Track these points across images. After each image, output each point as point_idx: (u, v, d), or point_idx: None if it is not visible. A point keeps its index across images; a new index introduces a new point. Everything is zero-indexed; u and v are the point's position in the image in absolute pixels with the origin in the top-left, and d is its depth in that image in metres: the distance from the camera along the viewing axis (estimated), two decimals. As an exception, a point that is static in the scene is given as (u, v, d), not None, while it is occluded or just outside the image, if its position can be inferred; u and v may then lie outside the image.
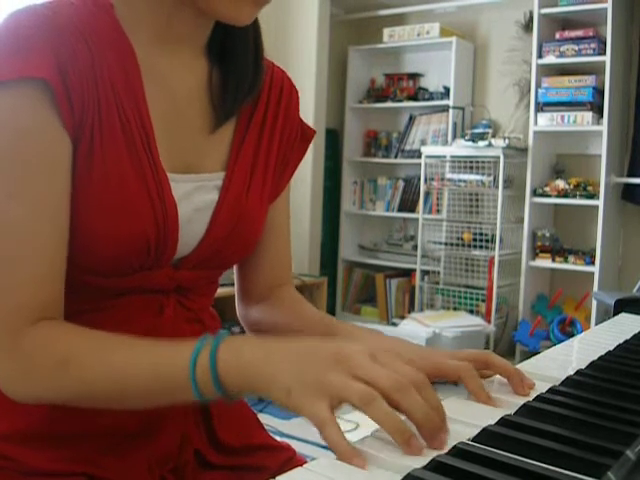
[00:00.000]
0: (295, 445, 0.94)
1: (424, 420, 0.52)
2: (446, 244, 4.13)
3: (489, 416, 0.58)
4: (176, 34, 0.73)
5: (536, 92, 3.76)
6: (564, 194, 3.74)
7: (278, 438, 0.93)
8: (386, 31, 4.41)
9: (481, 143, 3.82)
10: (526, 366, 0.78)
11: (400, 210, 4.57)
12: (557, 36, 3.73)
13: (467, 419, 0.58)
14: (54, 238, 0.65)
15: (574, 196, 3.72)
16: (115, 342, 0.64)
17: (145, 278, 0.72)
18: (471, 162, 3.92)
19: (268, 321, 0.89)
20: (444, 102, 4.26)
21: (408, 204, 4.53)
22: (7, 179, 0.63)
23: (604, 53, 3.53)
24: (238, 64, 0.77)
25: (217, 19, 0.71)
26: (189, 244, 0.74)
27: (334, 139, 4.71)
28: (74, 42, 0.65)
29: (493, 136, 3.90)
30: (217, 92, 0.77)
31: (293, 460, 0.88)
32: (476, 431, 0.54)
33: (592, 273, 3.63)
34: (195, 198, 0.74)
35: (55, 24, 0.64)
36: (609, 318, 1.17)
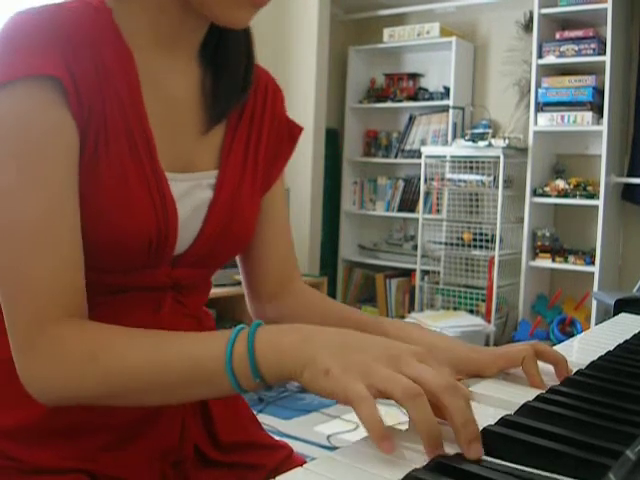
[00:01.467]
0: (295, 445, 0.95)
1: (464, 425, 0.51)
2: (446, 244, 4.13)
3: (489, 416, 0.58)
4: (173, 39, 0.74)
5: (536, 92, 3.76)
6: (564, 194, 3.74)
7: (278, 438, 0.93)
8: (386, 31, 4.41)
9: (481, 143, 3.82)
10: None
11: (400, 210, 4.57)
12: (557, 36, 3.74)
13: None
14: (71, 233, 0.65)
15: (574, 196, 3.72)
16: (145, 334, 0.64)
17: (144, 276, 0.73)
18: (471, 162, 3.92)
19: (288, 318, 0.89)
20: (444, 102, 4.26)
21: (408, 204, 4.53)
22: (23, 176, 0.63)
23: (604, 53, 3.53)
24: (230, 69, 0.80)
25: (215, 22, 0.72)
26: (186, 242, 0.76)
27: (334, 139, 4.71)
28: (78, 46, 0.66)
29: (493, 136, 3.90)
30: (209, 95, 0.79)
31: (290, 458, 0.89)
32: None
33: (592, 273, 3.63)
34: (192, 196, 0.76)
35: (60, 28, 0.65)
36: (609, 318, 1.17)
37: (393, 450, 0.49)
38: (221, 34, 0.79)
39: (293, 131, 0.91)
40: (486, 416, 0.57)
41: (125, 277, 0.72)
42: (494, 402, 0.66)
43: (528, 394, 0.65)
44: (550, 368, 0.74)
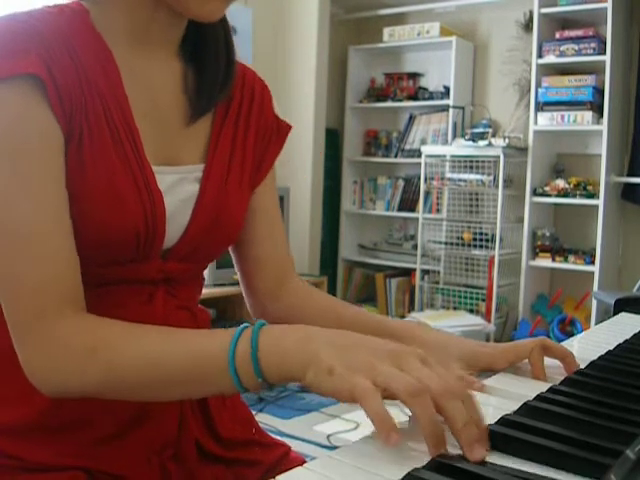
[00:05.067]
0: (295, 445, 0.95)
1: (464, 428, 0.51)
2: (446, 243, 4.13)
3: (489, 416, 0.58)
4: (150, 35, 0.76)
5: (536, 92, 3.76)
6: (564, 194, 3.74)
7: (278, 438, 0.93)
8: (386, 31, 4.41)
9: (481, 143, 3.82)
10: (526, 366, 0.78)
11: (400, 209, 4.57)
12: (557, 36, 3.74)
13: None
14: (64, 229, 0.66)
15: (574, 196, 3.72)
16: (146, 329, 0.65)
17: (135, 269, 0.74)
18: (471, 162, 3.92)
19: (289, 317, 0.90)
20: (444, 102, 4.26)
21: (408, 203, 4.53)
22: (15, 175, 0.64)
23: (604, 53, 3.53)
24: (210, 64, 0.81)
25: (187, 16, 0.74)
26: (174, 235, 0.76)
27: (334, 139, 4.71)
28: (56, 47, 0.68)
29: (493, 136, 3.90)
30: (192, 90, 0.80)
31: (288, 456, 0.89)
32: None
33: (592, 273, 3.63)
34: (179, 189, 0.77)
35: (38, 30, 0.67)
36: (609, 318, 1.17)
37: (397, 442, 0.49)
38: (199, 30, 0.80)
39: (281, 128, 0.92)
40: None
41: (116, 270, 0.73)
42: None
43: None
44: (558, 363, 0.76)
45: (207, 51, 0.81)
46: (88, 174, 0.68)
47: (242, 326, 0.62)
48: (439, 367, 0.56)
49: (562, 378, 0.73)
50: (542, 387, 0.67)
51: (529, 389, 0.67)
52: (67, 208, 0.67)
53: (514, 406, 0.61)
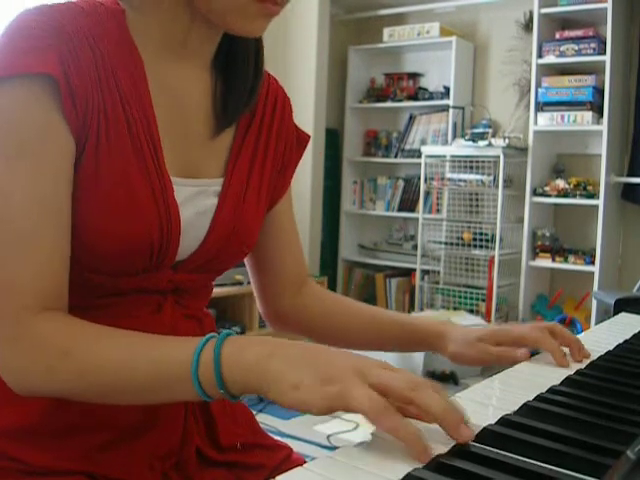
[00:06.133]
0: (295, 445, 0.95)
1: (444, 413, 0.52)
2: (446, 244, 4.13)
3: (489, 416, 0.58)
4: (184, 47, 0.75)
5: (536, 92, 3.76)
6: (564, 194, 3.74)
7: (278, 438, 0.93)
8: (386, 31, 4.41)
9: (481, 143, 3.82)
10: (526, 366, 0.78)
11: (400, 210, 4.57)
12: (557, 36, 3.73)
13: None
14: (56, 230, 0.65)
15: (574, 196, 3.72)
16: (116, 336, 0.65)
17: (145, 279, 0.73)
18: (471, 162, 3.92)
19: (307, 321, 0.94)
20: (444, 102, 4.26)
21: (408, 204, 4.53)
22: (11, 172, 0.64)
23: (604, 53, 3.53)
24: (240, 75, 0.80)
25: (230, 32, 0.73)
26: (189, 248, 0.76)
27: (334, 139, 4.71)
28: (78, 48, 0.66)
29: (493, 136, 3.90)
30: (219, 102, 0.79)
31: (290, 458, 0.89)
32: (476, 431, 0.54)
33: (592, 273, 3.63)
34: (196, 202, 0.76)
35: (61, 29, 0.66)
36: (609, 318, 1.17)
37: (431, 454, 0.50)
38: (231, 41, 0.79)
39: (301, 139, 0.92)
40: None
41: (126, 280, 0.72)
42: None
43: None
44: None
45: (237, 63, 0.80)
46: (104, 179, 0.67)
47: (208, 336, 0.62)
48: (401, 371, 0.57)
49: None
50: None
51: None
52: (64, 209, 0.66)
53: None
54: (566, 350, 0.82)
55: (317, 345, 0.61)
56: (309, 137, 0.94)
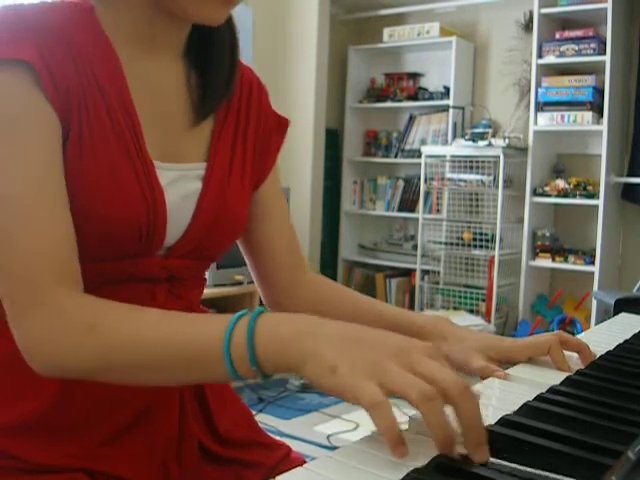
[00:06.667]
0: (295, 445, 0.95)
1: (473, 428, 0.50)
2: (446, 244, 4.13)
3: (489, 416, 0.58)
4: (153, 37, 0.76)
5: (536, 92, 3.76)
6: (564, 194, 3.74)
7: (278, 438, 0.93)
8: (386, 31, 4.41)
9: (481, 143, 3.82)
10: (526, 365, 0.78)
11: (400, 210, 4.57)
12: (557, 36, 3.74)
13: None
14: (61, 209, 0.66)
15: (574, 196, 3.72)
16: (145, 311, 0.64)
17: (136, 265, 0.74)
18: (471, 162, 3.92)
19: (307, 308, 0.91)
20: (444, 102, 4.26)
21: (408, 204, 4.53)
22: (7, 151, 0.65)
23: (604, 53, 3.53)
24: (214, 67, 0.81)
25: (189, 21, 0.75)
26: (177, 231, 0.77)
27: (334, 139, 4.70)
28: (53, 40, 0.68)
29: (493, 136, 3.90)
30: (196, 92, 0.81)
31: (289, 457, 0.89)
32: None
33: (592, 273, 3.63)
34: (180, 186, 0.77)
35: (36, 22, 0.68)
36: (609, 318, 1.17)
37: (406, 455, 0.48)
38: (204, 32, 0.80)
39: (282, 124, 0.93)
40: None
41: (118, 266, 0.72)
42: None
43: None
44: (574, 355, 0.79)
45: (211, 54, 0.81)
46: (89, 166, 0.68)
47: (241, 312, 0.60)
48: (447, 363, 0.54)
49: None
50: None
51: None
52: (63, 188, 0.66)
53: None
54: (570, 354, 0.80)
55: (357, 325, 0.58)
56: (288, 122, 0.94)
